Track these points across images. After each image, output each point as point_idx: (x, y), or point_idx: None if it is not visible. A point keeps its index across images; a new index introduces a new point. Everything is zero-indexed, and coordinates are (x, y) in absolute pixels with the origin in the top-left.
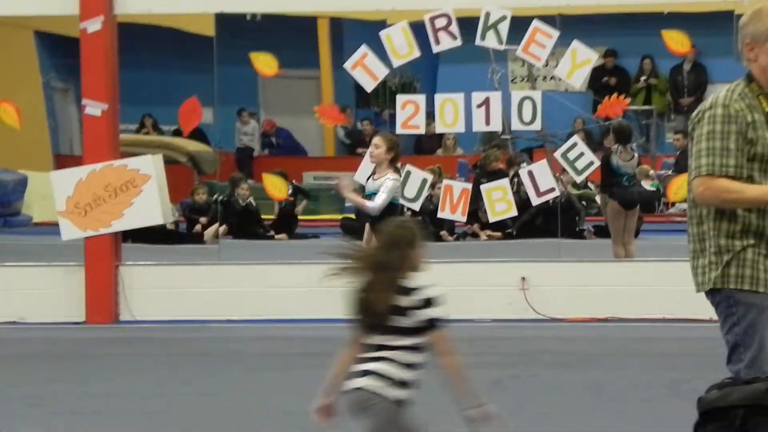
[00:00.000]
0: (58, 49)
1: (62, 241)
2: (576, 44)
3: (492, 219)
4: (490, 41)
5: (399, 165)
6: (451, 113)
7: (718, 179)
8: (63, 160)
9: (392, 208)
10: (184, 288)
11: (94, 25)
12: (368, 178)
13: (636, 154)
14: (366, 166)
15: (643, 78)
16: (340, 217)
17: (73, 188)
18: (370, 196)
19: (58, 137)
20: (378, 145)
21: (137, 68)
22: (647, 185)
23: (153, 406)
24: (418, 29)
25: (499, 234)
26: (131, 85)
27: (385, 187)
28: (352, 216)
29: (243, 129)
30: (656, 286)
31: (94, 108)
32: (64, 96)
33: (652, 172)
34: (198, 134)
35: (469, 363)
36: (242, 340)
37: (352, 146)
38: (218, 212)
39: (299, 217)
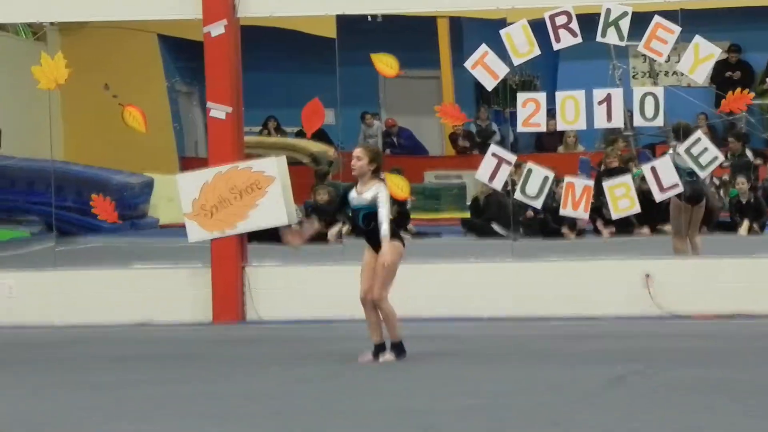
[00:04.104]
0: (182, 52)
1: (188, 242)
2: (698, 39)
3: (615, 216)
4: (611, 38)
5: (383, 176)
6: (572, 110)
7: None
8: (188, 163)
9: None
10: (308, 288)
11: (217, 29)
12: (350, 192)
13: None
14: (488, 165)
15: None
16: (461, 216)
17: (199, 190)
18: (358, 210)
19: (183, 140)
20: (359, 157)
21: (260, 71)
22: None
23: (278, 406)
24: (538, 27)
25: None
26: (254, 87)
27: (381, 201)
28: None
29: (368, 131)
30: None
31: (218, 111)
32: (189, 99)
33: None
34: (321, 135)
35: (593, 359)
36: (366, 339)
37: (484, 145)
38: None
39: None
